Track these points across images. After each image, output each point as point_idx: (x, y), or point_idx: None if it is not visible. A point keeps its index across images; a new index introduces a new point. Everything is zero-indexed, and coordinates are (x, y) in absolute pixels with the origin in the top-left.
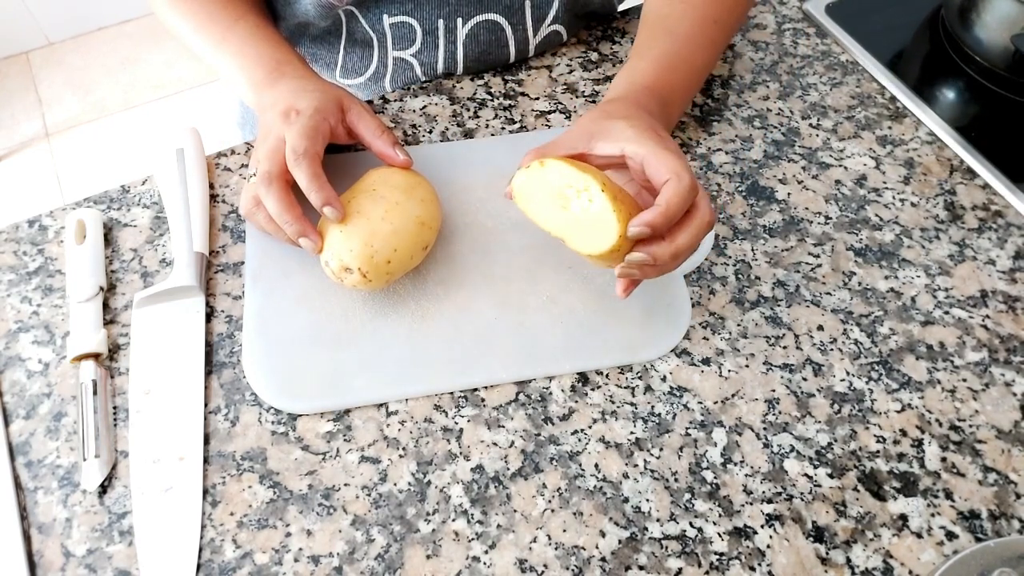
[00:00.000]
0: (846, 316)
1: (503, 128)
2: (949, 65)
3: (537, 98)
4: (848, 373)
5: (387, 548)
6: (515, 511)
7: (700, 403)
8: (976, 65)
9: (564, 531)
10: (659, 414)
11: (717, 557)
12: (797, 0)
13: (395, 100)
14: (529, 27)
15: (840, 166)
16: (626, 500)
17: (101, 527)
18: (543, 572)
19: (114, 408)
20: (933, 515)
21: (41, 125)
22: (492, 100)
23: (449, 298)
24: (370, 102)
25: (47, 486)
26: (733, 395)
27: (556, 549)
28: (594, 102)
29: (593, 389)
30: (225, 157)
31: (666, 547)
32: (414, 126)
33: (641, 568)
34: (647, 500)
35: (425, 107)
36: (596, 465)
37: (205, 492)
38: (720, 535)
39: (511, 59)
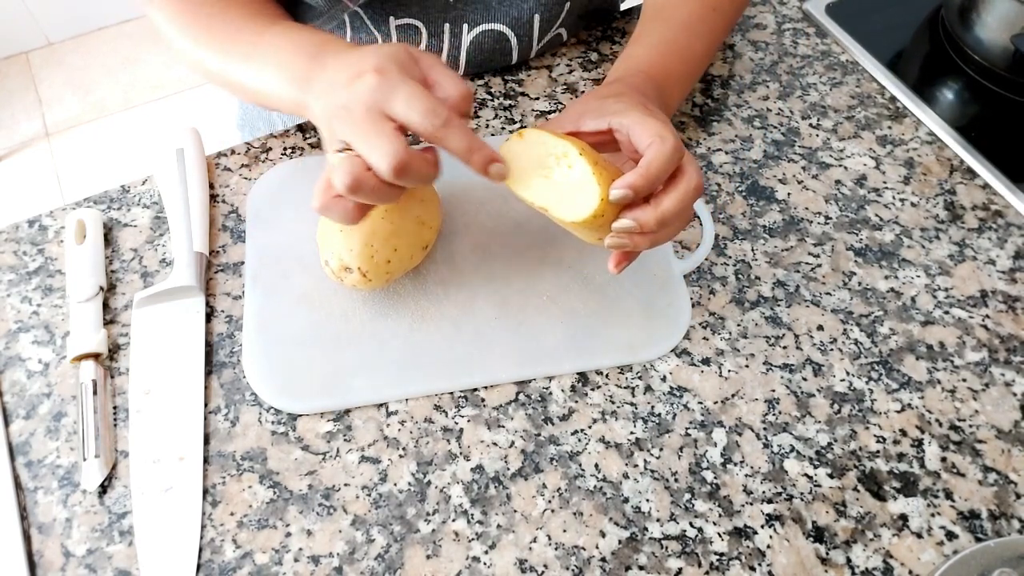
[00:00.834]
0: (846, 316)
1: (503, 128)
2: (949, 65)
3: (537, 98)
4: (848, 373)
5: (387, 548)
6: (515, 511)
7: (700, 403)
8: (976, 65)
9: (564, 531)
10: (659, 414)
11: (717, 557)
12: (797, 0)
13: None
14: (535, 37)
15: (840, 166)
16: (626, 500)
17: (101, 527)
18: (543, 572)
19: (114, 408)
20: (933, 515)
21: (41, 125)
22: (492, 100)
23: (449, 298)
24: None
25: (47, 486)
26: (733, 395)
27: (556, 549)
28: None
29: (593, 389)
30: (225, 157)
31: (666, 547)
32: None
33: (641, 568)
34: (647, 500)
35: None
36: (596, 465)
37: (205, 492)
38: (720, 535)
39: (513, 63)
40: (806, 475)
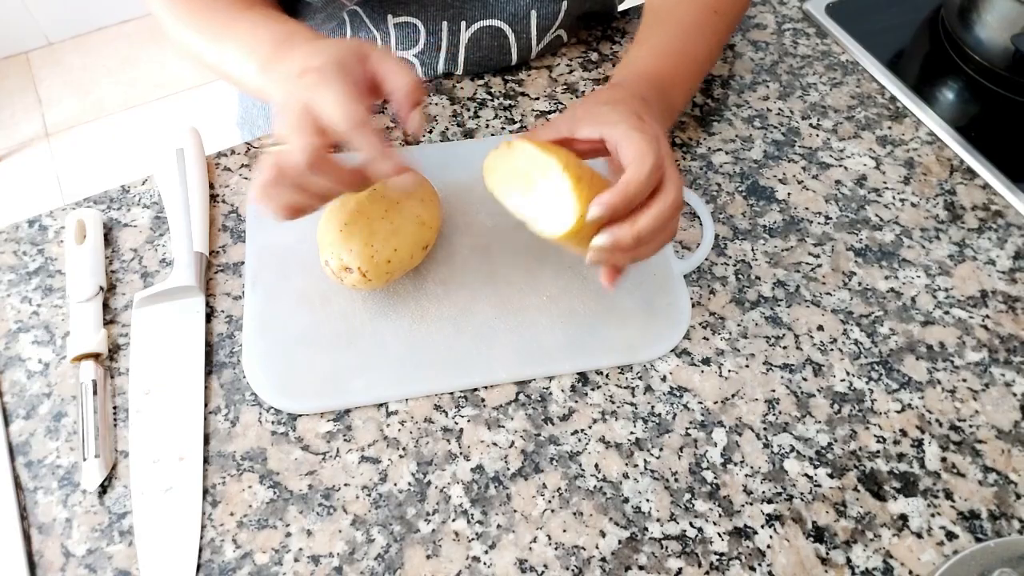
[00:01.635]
0: (846, 316)
1: (503, 128)
2: (949, 65)
3: (537, 98)
4: (848, 373)
5: (387, 548)
6: (515, 511)
7: (700, 403)
8: (976, 65)
9: (564, 531)
10: (659, 414)
11: (717, 557)
12: (797, 0)
13: None
14: (533, 36)
15: (840, 166)
16: (626, 500)
17: (101, 527)
18: (543, 572)
19: (114, 408)
20: (933, 515)
21: (41, 125)
22: (492, 100)
23: (449, 298)
24: None
25: (47, 486)
26: (733, 395)
27: (556, 549)
28: None
29: (593, 389)
30: (225, 157)
31: (666, 547)
32: None
33: (641, 568)
34: (647, 500)
35: (425, 107)
36: (596, 465)
37: (205, 492)
38: (720, 535)
39: (513, 63)
40: (806, 475)
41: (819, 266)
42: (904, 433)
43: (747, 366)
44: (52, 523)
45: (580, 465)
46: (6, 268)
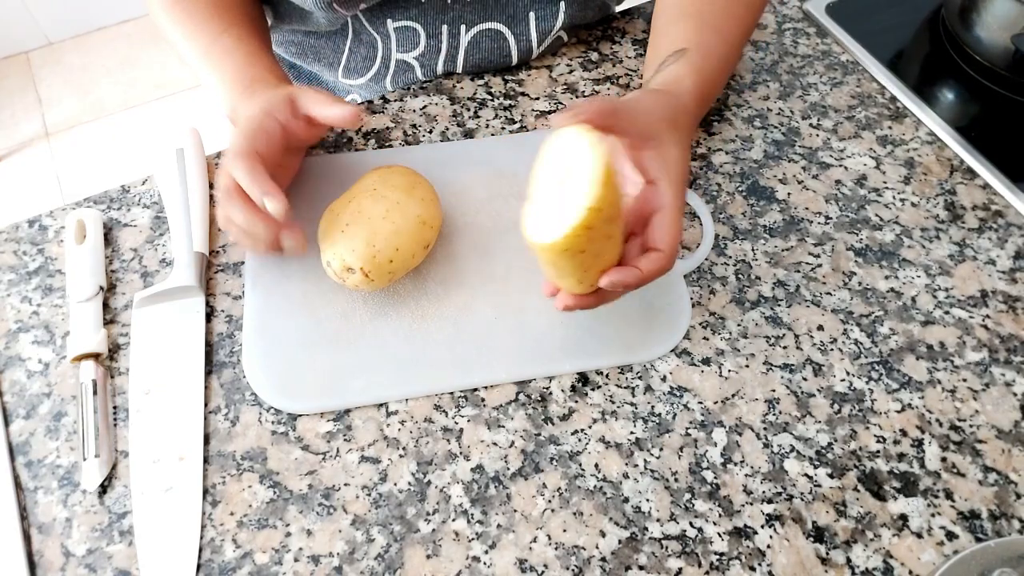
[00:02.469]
0: (846, 316)
1: (503, 128)
2: (949, 65)
3: (537, 98)
4: (848, 373)
5: (387, 548)
6: (515, 511)
7: (700, 403)
8: (976, 65)
9: (564, 531)
10: (659, 414)
11: (717, 557)
12: (797, 0)
13: (395, 100)
14: (534, 38)
15: (840, 166)
16: (626, 500)
17: (101, 527)
18: (543, 572)
19: (114, 408)
20: (933, 515)
21: (41, 125)
22: (492, 100)
23: (449, 298)
24: (370, 102)
25: (47, 486)
26: (733, 395)
27: (556, 549)
28: None
29: (593, 389)
30: None
31: (666, 547)
32: (414, 126)
33: (641, 568)
34: (647, 500)
35: (425, 107)
36: (596, 465)
37: (205, 492)
38: (720, 535)
39: (513, 64)
40: (806, 475)
41: (819, 266)
42: (904, 433)
43: (747, 366)
44: (52, 523)
45: (580, 465)
46: (6, 268)
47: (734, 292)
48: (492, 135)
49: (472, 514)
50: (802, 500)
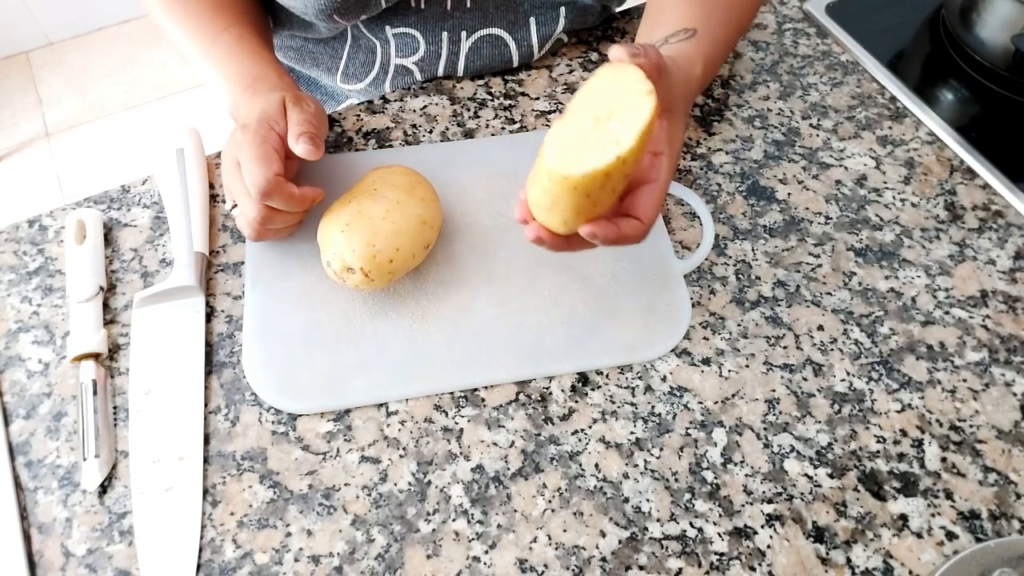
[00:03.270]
0: (846, 316)
1: (503, 128)
2: (949, 65)
3: (537, 98)
4: (848, 373)
5: (387, 548)
6: (515, 511)
7: (700, 403)
8: (976, 65)
9: (564, 531)
10: (659, 414)
11: (717, 557)
12: (797, 0)
13: (395, 100)
14: (535, 43)
15: (840, 166)
16: (626, 500)
17: (101, 527)
18: (543, 572)
19: (114, 408)
20: (933, 515)
21: (41, 125)
22: (492, 100)
23: (449, 298)
24: (370, 103)
25: (47, 486)
26: (733, 395)
27: (556, 549)
28: None
29: (593, 389)
30: None
31: (666, 547)
32: (414, 126)
33: (641, 568)
34: (647, 500)
35: (425, 107)
36: (596, 465)
37: (205, 492)
38: (720, 535)
39: (514, 67)
40: (806, 475)
41: (819, 266)
42: (904, 433)
43: (747, 366)
44: (52, 523)
45: (580, 465)
46: (6, 268)
47: (734, 292)
48: (492, 135)
49: (472, 514)
50: (802, 500)
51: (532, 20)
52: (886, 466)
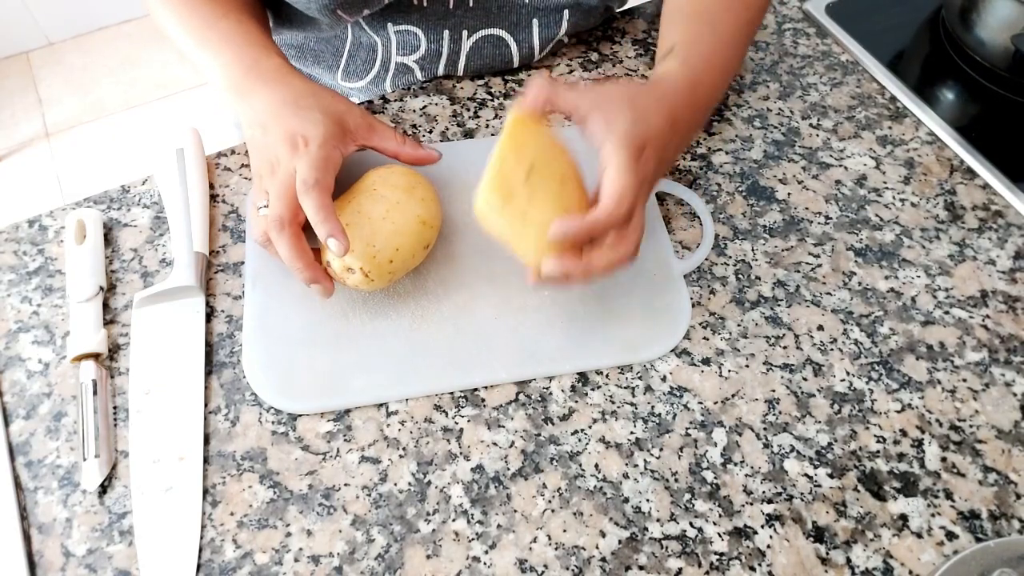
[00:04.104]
0: (846, 316)
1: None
2: (949, 65)
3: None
4: (848, 373)
5: (387, 548)
6: (515, 511)
7: (700, 403)
8: (976, 65)
9: (564, 531)
10: (659, 414)
11: (717, 557)
12: (797, 0)
13: (395, 100)
14: (536, 45)
15: (840, 166)
16: (626, 500)
17: (101, 527)
18: (543, 572)
19: (114, 408)
20: (933, 515)
21: (41, 125)
22: (492, 100)
23: (449, 298)
24: (370, 102)
25: (47, 486)
26: (733, 395)
27: (556, 549)
28: None
29: (593, 389)
30: (225, 157)
31: (666, 547)
32: (414, 126)
33: (641, 568)
34: (647, 500)
35: (425, 107)
36: (596, 465)
37: (205, 492)
38: (720, 535)
39: (515, 67)
40: (806, 475)
41: (819, 266)
42: (904, 433)
43: (747, 366)
44: (52, 523)
45: (580, 465)
46: (6, 268)
47: (734, 292)
48: (492, 135)
49: (472, 514)
50: (802, 500)
51: (535, 22)
52: (886, 466)
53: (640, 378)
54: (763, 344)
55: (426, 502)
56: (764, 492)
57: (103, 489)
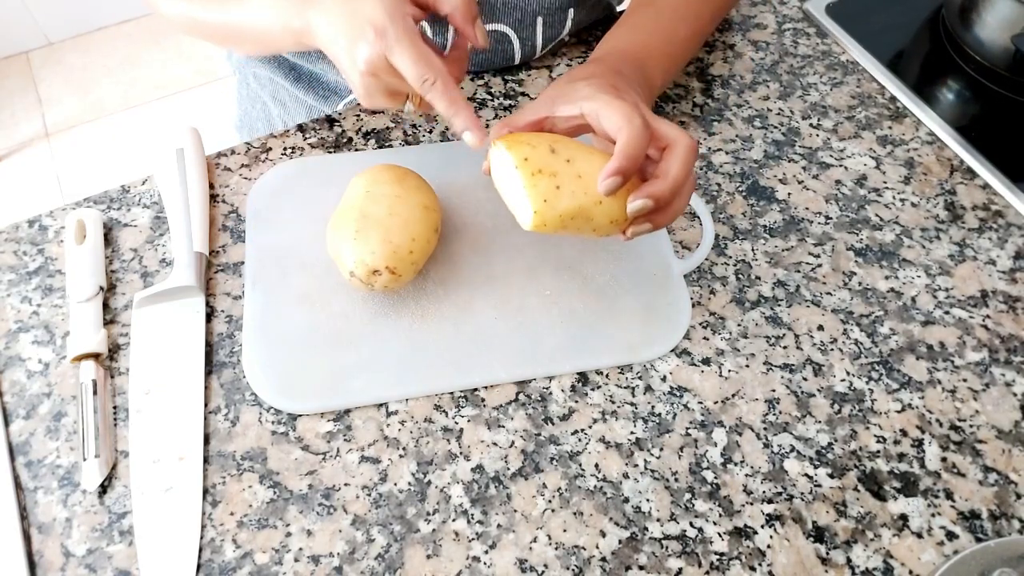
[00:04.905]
0: (846, 316)
1: None
2: (949, 65)
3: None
4: (848, 373)
5: (387, 548)
6: (515, 511)
7: (700, 403)
8: (976, 65)
9: (564, 531)
10: (659, 414)
11: (717, 557)
12: (797, 0)
13: None
14: (539, 43)
15: (840, 166)
16: (626, 500)
17: (101, 527)
18: (543, 572)
19: (114, 408)
20: (933, 515)
21: (41, 125)
22: (492, 100)
23: (449, 298)
24: None
25: (47, 486)
26: (733, 395)
27: (556, 549)
28: None
29: (593, 389)
30: (225, 157)
31: (666, 547)
32: (414, 126)
33: (641, 568)
34: (647, 500)
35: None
36: (596, 465)
37: (205, 492)
38: (720, 535)
39: (516, 63)
40: (806, 475)
41: (819, 266)
42: (904, 433)
43: (747, 366)
44: (52, 523)
45: (580, 465)
46: (6, 268)
47: (734, 292)
48: None
49: (472, 514)
50: (802, 500)
51: (539, 20)
52: (886, 466)
53: (640, 378)
54: (763, 344)
55: (426, 502)
56: (764, 492)
57: (103, 489)
